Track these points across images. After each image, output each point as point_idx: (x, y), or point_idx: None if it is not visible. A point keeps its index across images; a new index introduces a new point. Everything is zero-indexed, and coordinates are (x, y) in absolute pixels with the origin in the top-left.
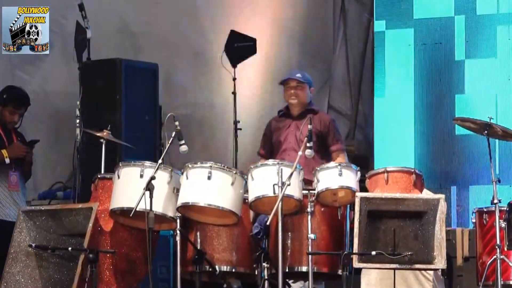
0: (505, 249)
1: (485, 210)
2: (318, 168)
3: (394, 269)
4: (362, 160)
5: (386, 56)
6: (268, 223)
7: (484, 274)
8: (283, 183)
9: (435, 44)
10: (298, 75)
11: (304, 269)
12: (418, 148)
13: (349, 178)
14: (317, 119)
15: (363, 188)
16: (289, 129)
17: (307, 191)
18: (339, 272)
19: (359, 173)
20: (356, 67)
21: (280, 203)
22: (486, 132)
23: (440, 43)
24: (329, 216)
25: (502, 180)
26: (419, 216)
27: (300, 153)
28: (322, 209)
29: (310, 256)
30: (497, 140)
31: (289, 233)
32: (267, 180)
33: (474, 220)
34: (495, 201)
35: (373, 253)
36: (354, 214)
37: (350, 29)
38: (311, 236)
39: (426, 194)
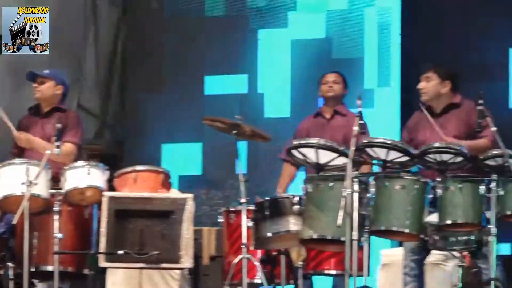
0: (251, 248)
1: (232, 209)
2: (66, 167)
3: (140, 268)
4: (112, 159)
5: None
6: (14, 222)
7: (230, 273)
8: (30, 182)
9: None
10: (46, 71)
11: (50, 268)
12: (167, 147)
13: (97, 177)
14: (65, 117)
15: (112, 187)
16: (36, 127)
17: (55, 190)
18: (85, 271)
19: (107, 172)
20: (106, 67)
21: (26, 202)
22: (234, 132)
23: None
24: (76, 215)
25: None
26: (167, 216)
27: (48, 151)
28: (70, 208)
29: (56, 255)
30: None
31: (36, 233)
32: (14, 179)
33: (221, 220)
34: (243, 200)
35: (120, 252)
36: (101, 213)
37: (101, 28)
38: (58, 235)
39: (175, 193)
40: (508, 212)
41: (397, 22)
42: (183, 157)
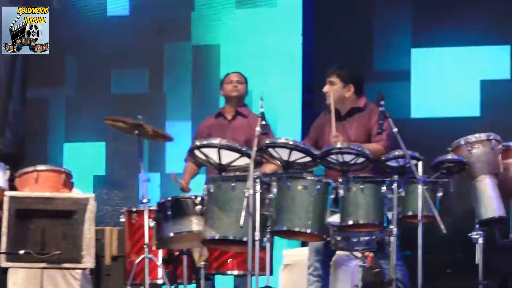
0: (154, 248)
1: (134, 209)
2: None
3: (42, 268)
4: (12, 158)
5: None
6: None
7: (132, 273)
8: None
9: None
10: None
11: None
12: (68, 146)
13: None
14: None
15: (13, 187)
16: None
17: None
18: None
19: (8, 171)
20: (7, 65)
21: None
22: (136, 132)
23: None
24: None
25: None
26: (69, 216)
27: None
28: None
29: None
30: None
31: None
32: None
33: (123, 220)
34: (145, 200)
35: (21, 252)
36: (2, 213)
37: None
38: None
39: (76, 193)
40: (409, 213)
41: (298, 22)
42: (86, 157)
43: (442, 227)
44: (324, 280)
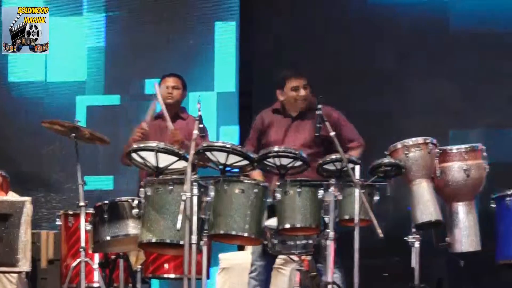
0: (90, 251)
1: (70, 212)
2: None
3: None
4: None
5: None
6: None
7: (69, 276)
8: None
9: None
10: None
11: None
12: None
13: None
14: None
15: None
16: None
17: None
18: None
19: None
20: None
21: None
22: (74, 135)
23: None
24: None
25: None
26: (4, 219)
27: None
28: None
29: None
30: None
31: None
32: None
33: (59, 223)
34: (81, 203)
35: None
36: None
37: None
38: None
39: (12, 196)
40: (346, 217)
41: (234, 27)
42: None
43: (379, 231)
44: (265, 284)
